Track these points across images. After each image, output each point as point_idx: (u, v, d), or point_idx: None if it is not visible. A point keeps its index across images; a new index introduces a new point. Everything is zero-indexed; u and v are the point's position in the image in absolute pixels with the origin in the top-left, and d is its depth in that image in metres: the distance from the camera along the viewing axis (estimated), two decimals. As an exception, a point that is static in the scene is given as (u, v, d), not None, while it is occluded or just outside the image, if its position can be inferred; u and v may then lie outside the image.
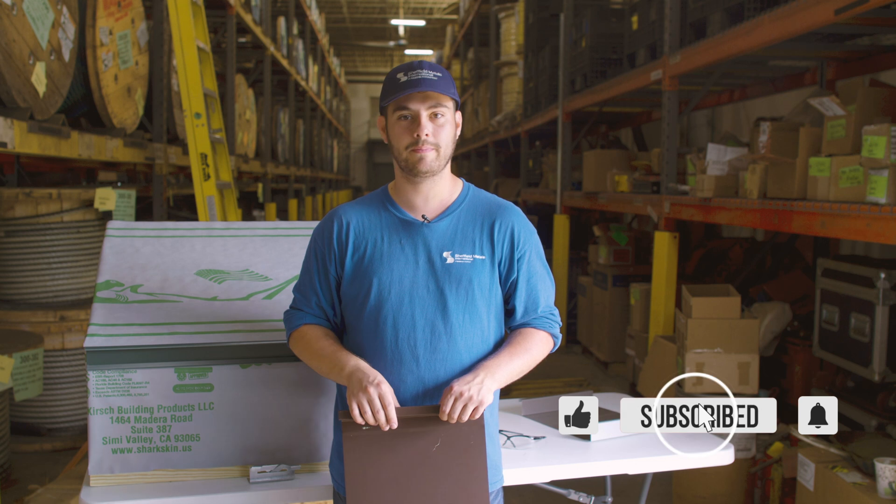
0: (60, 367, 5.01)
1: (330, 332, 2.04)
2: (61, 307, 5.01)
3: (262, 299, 2.43)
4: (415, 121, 1.95)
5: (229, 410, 2.25)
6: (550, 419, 2.84)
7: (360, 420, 1.83)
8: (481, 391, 1.86)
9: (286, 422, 2.27)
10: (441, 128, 1.96)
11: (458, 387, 1.86)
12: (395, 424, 1.84)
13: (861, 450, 3.28)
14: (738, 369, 4.12)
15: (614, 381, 6.87)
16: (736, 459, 3.02)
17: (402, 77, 1.94)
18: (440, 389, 1.94)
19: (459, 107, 2.05)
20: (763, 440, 4.32)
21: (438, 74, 1.95)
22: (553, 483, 2.63)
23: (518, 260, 2.03)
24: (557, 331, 2.10)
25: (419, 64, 1.96)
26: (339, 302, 2.05)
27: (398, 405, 1.87)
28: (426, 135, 1.94)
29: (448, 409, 1.84)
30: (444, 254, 1.98)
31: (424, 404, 1.95)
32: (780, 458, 3.96)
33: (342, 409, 2.04)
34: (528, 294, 2.05)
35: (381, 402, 1.83)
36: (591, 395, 3.08)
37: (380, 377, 1.87)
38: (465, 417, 1.84)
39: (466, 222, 2.02)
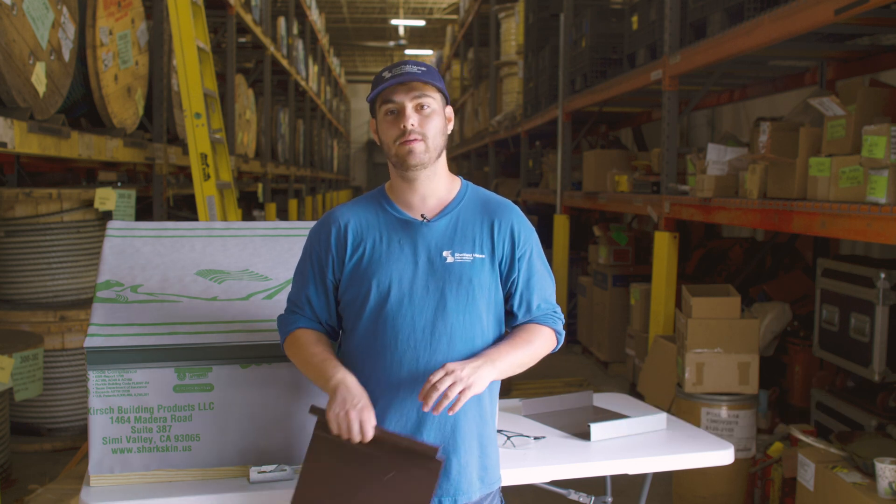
0: (60, 367, 5.01)
1: (322, 338, 2.03)
2: (61, 307, 5.01)
3: (262, 299, 2.43)
4: (400, 113, 1.95)
5: (229, 410, 2.25)
6: (550, 419, 2.84)
7: (334, 430, 1.85)
8: (474, 375, 1.83)
9: (286, 422, 2.28)
10: (427, 118, 1.95)
11: (452, 365, 1.84)
12: (368, 440, 1.85)
13: (861, 450, 3.28)
14: (738, 369, 4.12)
15: (614, 381, 6.87)
16: (736, 459, 3.02)
17: (386, 74, 1.96)
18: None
19: (448, 101, 2.04)
20: (763, 440, 4.32)
21: (422, 68, 1.96)
22: (553, 483, 2.63)
23: (519, 259, 2.02)
24: (561, 327, 2.09)
25: (403, 62, 1.98)
26: (335, 305, 2.05)
27: (376, 425, 1.88)
28: (412, 125, 1.93)
29: (436, 380, 1.81)
30: (444, 253, 1.97)
31: (423, 409, 1.94)
32: (780, 458, 3.96)
33: None
34: (529, 293, 2.04)
35: (360, 429, 1.83)
36: (590, 394, 3.09)
37: (364, 400, 1.86)
38: (452, 394, 1.80)
39: (465, 221, 2.01)
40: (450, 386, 1.81)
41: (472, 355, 1.95)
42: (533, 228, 2.08)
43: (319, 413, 1.91)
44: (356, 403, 1.84)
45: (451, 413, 1.83)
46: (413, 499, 1.84)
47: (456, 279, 1.95)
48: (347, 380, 1.89)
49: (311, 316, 2.05)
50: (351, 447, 1.87)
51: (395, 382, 1.93)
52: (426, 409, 1.82)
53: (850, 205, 3.17)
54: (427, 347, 1.93)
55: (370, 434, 1.84)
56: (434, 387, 1.81)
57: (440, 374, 1.82)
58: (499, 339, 2.03)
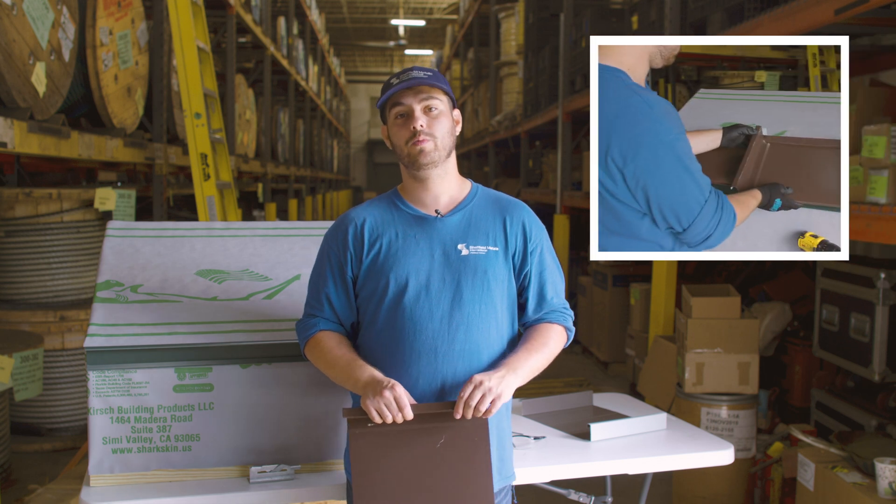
0: (60, 367, 5.01)
1: (344, 339, 2.06)
2: (61, 307, 5.01)
3: (262, 299, 2.43)
4: (410, 116, 2.01)
5: (229, 410, 2.25)
6: (550, 419, 2.84)
7: (377, 420, 1.86)
8: (501, 384, 1.89)
9: (286, 422, 2.28)
10: (436, 119, 2.02)
11: (479, 377, 1.90)
12: (410, 417, 1.86)
13: (861, 450, 3.28)
14: (738, 369, 4.12)
15: (614, 381, 6.87)
16: (736, 459, 3.02)
17: (394, 80, 2.04)
18: (458, 383, 1.97)
19: (455, 105, 2.10)
20: (763, 440, 4.32)
21: (429, 73, 2.03)
22: (553, 483, 2.63)
23: (531, 253, 2.08)
24: (571, 324, 2.14)
25: (410, 68, 2.06)
26: (355, 301, 2.08)
27: (413, 402, 1.89)
28: (421, 126, 2.00)
29: (466, 396, 1.86)
30: (459, 246, 2.03)
31: (443, 399, 1.97)
32: (780, 458, 3.96)
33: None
34: (541, 287, 2.09)
35: (397, 404, 1.85)
36: (590, 394, 3.09)
37: (392, 381, 1.89)
38: (483, 408, 1.86)
39: (479, 216, 2.07)
40: (481, 398, 1.87)
41: (489, 347, 2.01)
42: (543, 226, 2.14)
43: (351, 413, 1.91)
44: (385, 385, 1.87)
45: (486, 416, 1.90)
46: (472, 455, 1.88)
47: (471, 271, 2.01)
48: (375, 374, 1.93)
49: (330, 316, 2.07)
50: (393, 432, 1.88)
51: (414, 374, 1.97)
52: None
53: (850, 205, 3.17)
54: (444, 338, 1.97)
55: (408, 407, 1.86)
56: (467, 403, 1.87)
57: (469, 388, 1.88)
58: (512, 334, 2.09)
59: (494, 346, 2.02)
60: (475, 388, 1.87)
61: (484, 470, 1.89)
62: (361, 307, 2.07)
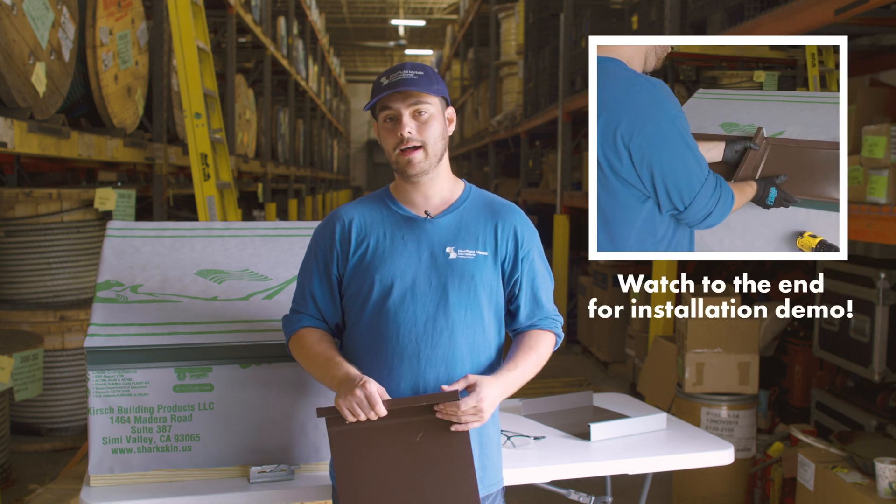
0: (60, 367, 5.01)
1: (326, 336, 2.04)
2: (61, 307, 5.01)
3: (262, 299, 2.43)
4: (398, 121, 1.96)
5: (229, 410, 2.25)
6: (550, 419, 2.84)
7: (350, 419, 1.84)
8: (489, 407, 1.88)
9: (286, 422, 2.28)
10: (425, 125, 1.96)
11: (479, 389, 1.86)
12: (383, 413, 1.85)
13: (861, 450, 3.28)
14: (738, 369, 4.12)
15: (614, 381, 6.87)
16: (736, 459, 3.02)
17: (384, 81, 1.97)
18: (440, 386, 1.94)
19: (449, 102, 2.05)
20: (763, 440, 4.32)
21: (420, 73, 1.96)
22: (553, 483, 2.63)
23: (522, 259, 2.04)
24: (560, 329, 2.12)
25: (401, 66, 1.98)
26: (340, 301, 2.06)
27: (386, 398, 1.87)
28: (409, 133, 1.95)
29: (464, 408, 1.84)
30: (447, 249, 1.99)
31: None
32: (780, 458, 3.96)
33: None
34: (533, 294, 2.06)
35: (369, 401, 1.83)
36: (590, 394, 3.09)
37: (366, 378, 1.87)
38: (463, 426, 1.85)
39: (469, 220, 2.03)
40: (466, 415, 1.85)
41: (473, 352, 1.98)
42: (535, 231, 2.11)
43: (327, 412, 1.90)
44: (357, 382, 1.85)
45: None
46: (453, 447, 1.87)
47: (458, 274, 1.97)
48: (350, 372, 1.90)
49: (314, 313, 2.06)
50: (370, 428, 1.86)
51: (396, 376, 1.95)
52: (438, 416, 1.86)
53: (850, 205, 3.17)
54: (428, 341, 1.95)
55: (380, 404, 1.84)
56: (454, 407, 1.85)
57: (467, 399, 1.86)
58: (500, 340, 2.06)
59: (479, 352, 1.99)
60: (470, 398, 1.85)
61: (466, 460, 1.87)
62: (347, 306, 2.04)
